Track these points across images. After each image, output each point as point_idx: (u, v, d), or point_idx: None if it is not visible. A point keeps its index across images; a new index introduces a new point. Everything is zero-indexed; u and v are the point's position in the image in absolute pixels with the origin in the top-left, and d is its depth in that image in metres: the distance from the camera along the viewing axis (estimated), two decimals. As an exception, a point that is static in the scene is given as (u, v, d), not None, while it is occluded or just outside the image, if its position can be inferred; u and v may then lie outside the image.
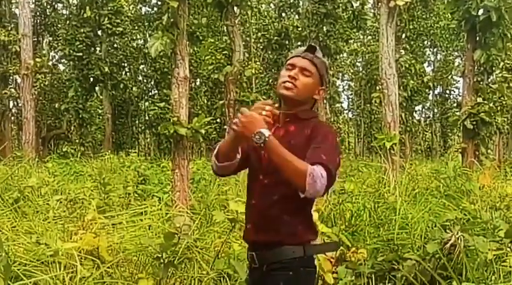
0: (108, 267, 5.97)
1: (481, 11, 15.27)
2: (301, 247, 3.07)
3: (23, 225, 7.88)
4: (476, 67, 15.78)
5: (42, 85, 30.86)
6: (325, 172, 2.83)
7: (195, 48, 30.03)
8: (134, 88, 37.46)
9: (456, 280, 5.37)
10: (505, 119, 25.16)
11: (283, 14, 32.27)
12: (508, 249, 5.97)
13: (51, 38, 36.64)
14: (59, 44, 29.92)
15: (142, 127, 41.64)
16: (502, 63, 18.59)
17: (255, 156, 3.19)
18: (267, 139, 2.85)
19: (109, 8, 28.97)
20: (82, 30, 28.10)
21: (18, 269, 5.52)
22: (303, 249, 3.08)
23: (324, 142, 2.99)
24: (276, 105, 3.16)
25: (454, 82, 41.32)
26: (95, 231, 6.65)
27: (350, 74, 46.66)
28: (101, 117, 36.13)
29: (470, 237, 5.72)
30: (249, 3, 21.27)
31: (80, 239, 6.20)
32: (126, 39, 33.82)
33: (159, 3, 30.09)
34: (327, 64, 3.27)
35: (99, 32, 29.71)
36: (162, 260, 5.71)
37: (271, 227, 3.10)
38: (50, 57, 37.62)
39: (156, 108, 27.18)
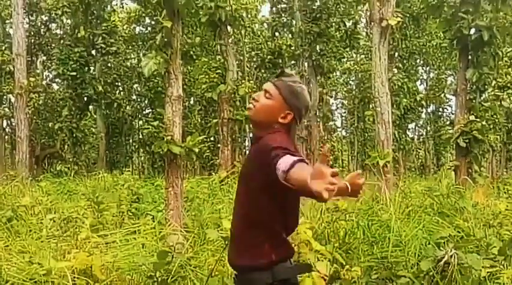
0: (102, 286, 5.95)
1: (472, 30, 15.41)
2: (269, 272, 3.02)
3: (16, 244, 7.86)
4: (468, 86, 15.87)
5: (36, 104, 30.80)
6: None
7: (189, 67, 30.12)
8: (128, 107, 37.50)
9: (450, 297, 5.37)
10: (498, 137, 25.26)
11: (277, 33, 32.39)
12: (502, 266, 5.98)
13: (45, 58, 36.67)
14: (53, 64, 29.95)
15: (136, 146, 41.58)
16: (494, 82, 18.73)
17: None
18: None
19: (103, 27, 29.05)
20: (76, 50, 28.11)
21: (11, 289, 5.51)
22: (272, 273, 3.02)
23: (274, 149, 2.85)
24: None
25: (447, 101, 41.45)
26: (88, 250, 6.64)
27: (343, 92, 46.78)
28: (94, 136, 36.05)
29: (463, 254, 5.74)
30: (242, 22, 21.41)
31: (73, 258, 6.18)
32: (120, 58, 33.91)
33: (153, 23, 30.25)
34: (294, 88, 3.17)
35: (93, 52, 29.75)
36: (155, 279, 5.70)
37: (241, 249, 3.11)
38: (44, 77, 37.60)
39: (150, 126, 26.92)
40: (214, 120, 21.91)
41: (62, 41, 31.83)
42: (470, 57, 15.75)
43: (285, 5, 31.32)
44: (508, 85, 25.11)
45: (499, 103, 19.26)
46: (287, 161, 2.61)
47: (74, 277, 5.89)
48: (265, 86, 3.19)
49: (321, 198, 2.27)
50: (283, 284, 3.04)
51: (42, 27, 35.84)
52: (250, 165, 3.12)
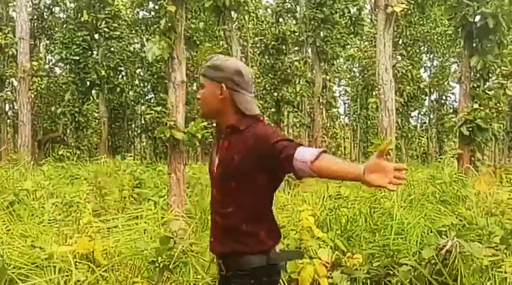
0: (103, 271, 5.95)
1: (478, 18, 15.29)
2: (264, 256, 3.10)
3: (18, 228, 7.86)
4: (472, 74, 15.78)
5: (38, 88, 30.78)
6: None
7: (192, 53, 30.04)
8: (131, 92, 37.43)
9: (452, 286, 5.36)
10: (501, 125, 25.19)
11: (281, 19, 32.26)
12: (504, 255, 5.97)
13: (48, 41, 36.60)
14: (56, 47, 29.82)
15: (139, 131, 41.59)
16: (498, 70, 18.59)
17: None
18: None
19: (106, 11, 28.96)
20: (79, 34, 28.07)
21: (13, 273, 5.51)
22: (266, 258, 3.10)
23: (279, 138, 2.96)
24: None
25: (451, 88, 41.36)
26: (90, 235, 6.63)
27: (347, 79, 46.73)
28: (97, 121, 36.04)
29: (465, 243, 5.72)
30: (247, 8, 21.27)
31: (75, 242, 6.19)
32: (123, 43, 33.79)
33: (157, 7, 30.13)
34: (212, 64, 3.20)
35: (96, 36, 29.68)
36: (157, 264, 5.70)
37: (233, 238, 3.13)
38: (47, 61, 37.59)
39: (153, 112, 27.10)
40: (217, 106, 21.83)
41: (65, 25, 31.77)
42: (474, 44, 15.65)
43: (289, -9, 31.20)
44: (512, 73, 25.01)
45: (503, 91, 19.10)
46: (311, 152, 2.76)
47: (76, 261, 5.89)
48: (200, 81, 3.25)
49: (385, 188, 2.54)
50: (275, 269, 3.17)
51: (46, 10, 35.71)
52: (241, 159, 3.08)
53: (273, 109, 32.37)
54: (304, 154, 2.75)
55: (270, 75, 30.09)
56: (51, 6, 35.81)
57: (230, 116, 3.17)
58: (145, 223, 8.01)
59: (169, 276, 5.94)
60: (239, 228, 3.11)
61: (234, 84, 3.16)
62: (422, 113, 45.02)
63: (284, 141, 2.92)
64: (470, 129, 15.08)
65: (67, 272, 5.71)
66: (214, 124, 3.26)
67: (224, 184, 3.15)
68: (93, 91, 31.05)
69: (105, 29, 29.05)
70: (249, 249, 3.10)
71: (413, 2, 27.45)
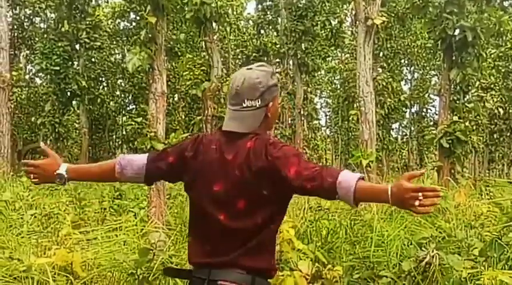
0: (82, 284, 5.90)
1: (457, 31, 15.46)
2: None
3: (-4, 240, 7.77)
4: (452, 86, 15.92)
5: (18, 98, 30.62)
6: None
7: (173, 64, 30.02)
8: (111, 103, 37.31)
9: (431, 298, 5.37)
10: (481, 138, 25.40)
11: (262, 31, 32.40)
12: (482, 267, 5.99)
13: (28, 52, 36.41)
14: (36, 58, 29.64)
15: (119, 142, 41.41)
16: (477, 82, 18.78)
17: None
18: None
19: (87, 22, 28.85)
20: (60, 44, 27.92)
21: (-10, 285, 5.45)
22: None
23: None
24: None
25: (431, 101, 41.63)
26: (69, 246, 6.58)
27: (328, 91, 46.83)
28: (77, 131, 35.86)
29: (445, 255, 5.73)
30: (228, 19, 21.36)
31: (54, 254, 6.12)
32: (104, 53, 33.70)
33: (138, 18, 30.08)
34: None
35: (77, 46, 29.54)
36: (136, 276, 5.66)
37: None
38: (27, 71, 37.39)
39: (133, 122, 26.99)
40: (198, 117, 21.81)
41: (45, 35, 31.58)
42: (454, 57, 15.80)
43: (270, 3, 31.33)
44: (491, 86, 25.27)
45: (482, 104, 19.36)
46: None
47: (54, 273, 5.83)
48: None
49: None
50: None
51: (26, 20, 35.57)
52: None
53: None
54: None
55: (251, 86, 30.12)
56: (31, 16, 35.68)
57: None
58: (125, 234, 7.95)
59: (148, 288, 5.89)
60: None
61: None
62: (403, 125, 45.18)
63: None
64: (450, 141, 15.19)
65: (45, 284, 5.66)
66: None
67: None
68: (74, 102, 30.85)
69: (86, 40, 28.93)
70: None
71: (393, 15, 27.66)
